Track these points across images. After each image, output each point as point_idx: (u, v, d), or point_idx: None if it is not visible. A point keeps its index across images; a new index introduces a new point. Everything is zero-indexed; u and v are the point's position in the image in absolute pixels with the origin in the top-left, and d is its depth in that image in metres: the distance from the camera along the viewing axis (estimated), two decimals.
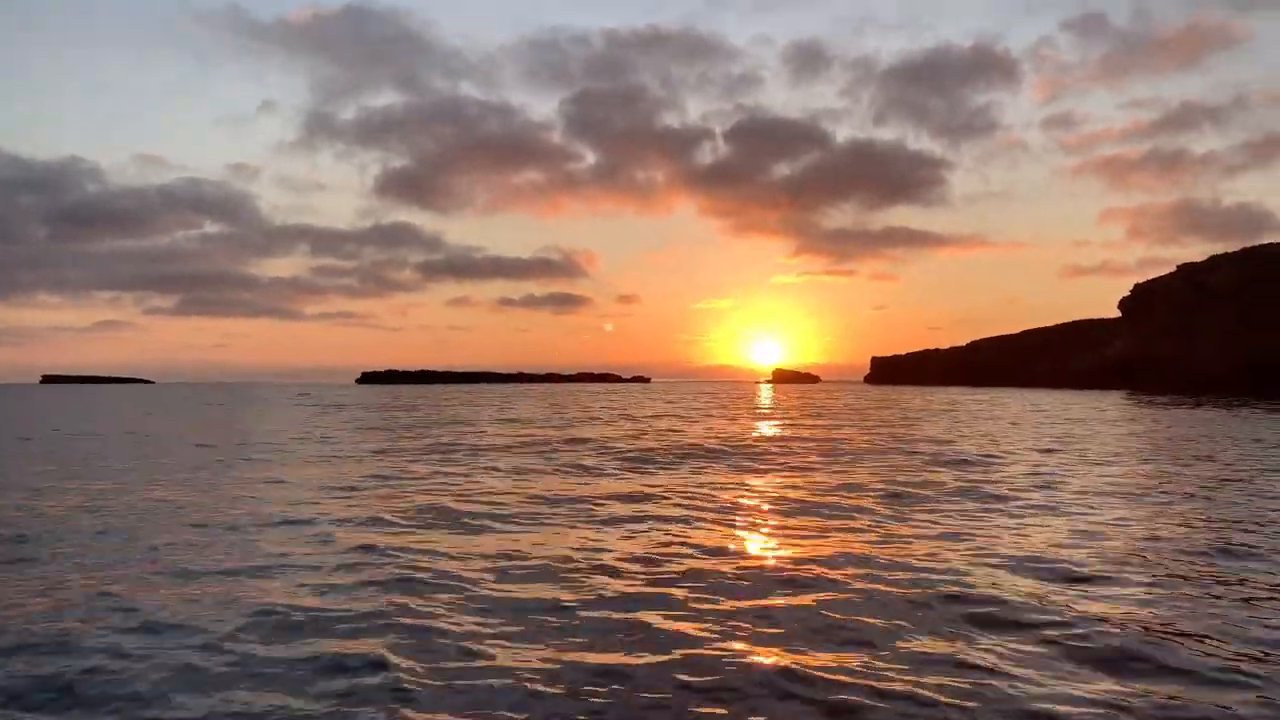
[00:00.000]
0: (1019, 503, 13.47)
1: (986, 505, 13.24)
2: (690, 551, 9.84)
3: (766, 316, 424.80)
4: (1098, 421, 35.62)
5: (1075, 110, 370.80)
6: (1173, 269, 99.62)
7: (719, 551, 9.86)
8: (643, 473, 17.94)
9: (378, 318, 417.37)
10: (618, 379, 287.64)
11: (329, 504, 13.50)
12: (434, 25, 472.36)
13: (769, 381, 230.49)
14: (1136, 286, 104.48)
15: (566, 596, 7.85)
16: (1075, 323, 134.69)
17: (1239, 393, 76.60)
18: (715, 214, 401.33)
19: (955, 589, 7.98)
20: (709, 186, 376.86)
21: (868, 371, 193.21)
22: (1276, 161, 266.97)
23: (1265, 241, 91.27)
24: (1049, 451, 21.92)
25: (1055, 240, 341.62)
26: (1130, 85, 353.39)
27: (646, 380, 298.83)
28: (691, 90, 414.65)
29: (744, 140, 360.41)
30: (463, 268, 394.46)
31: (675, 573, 8.72)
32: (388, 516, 12.20)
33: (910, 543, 10.22)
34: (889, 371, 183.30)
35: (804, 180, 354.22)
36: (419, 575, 8.59)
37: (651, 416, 43.08)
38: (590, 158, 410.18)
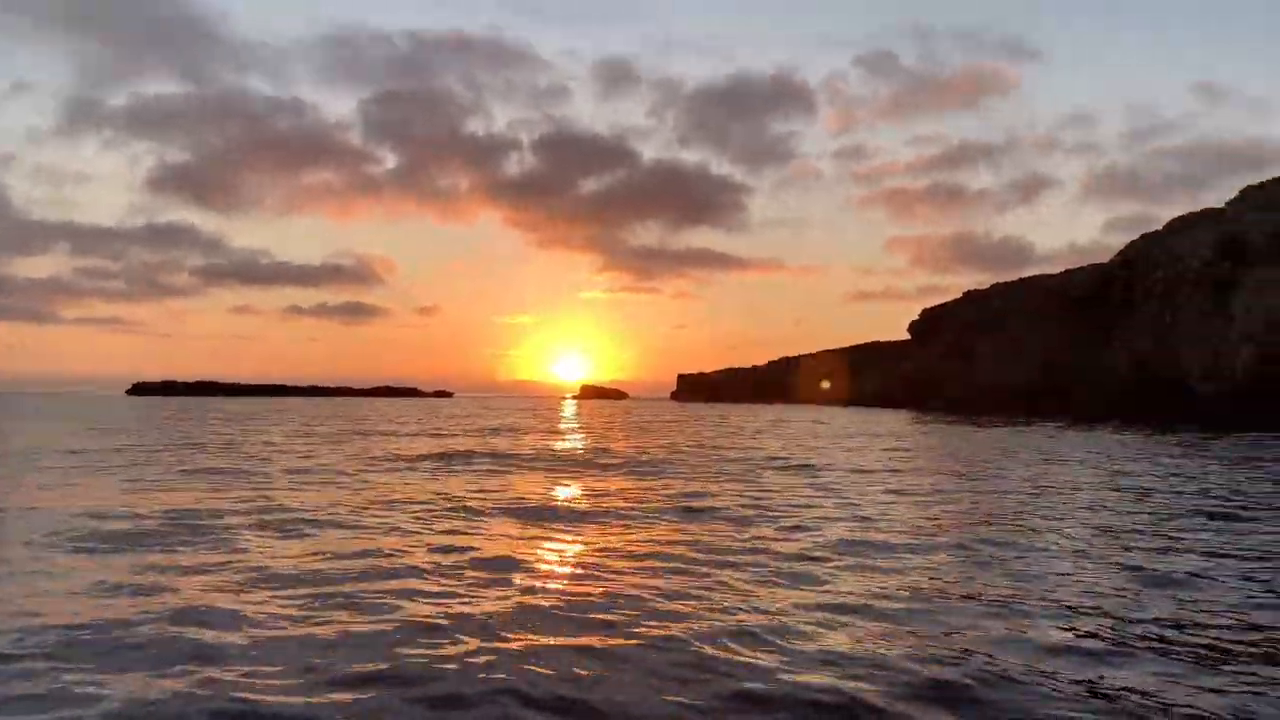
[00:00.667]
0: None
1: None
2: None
3: (572, 332, 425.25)
4: (864, 435, 36.41)
5: (866, 143, 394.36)
6: (947, 296, 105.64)
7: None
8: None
9: (149, 324, 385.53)
10: (419, 393, 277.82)
11: None
12: (221, 12, 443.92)
13: (576, 397, 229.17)
14: (925, 311, 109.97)
15: None
16: (869, 344, 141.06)
17: (1017, 412, 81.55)
18: (521, 226, 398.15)
19: None
20: (515, 197, 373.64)
21: (674, 388, 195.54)
22: (1038, 199, 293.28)
23: (1029, 273, 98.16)
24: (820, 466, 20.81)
25: (844, 266, 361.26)
26: (915, 122, 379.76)
27: (449, 395, 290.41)
28: (498, 98, 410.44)
29: (551, 152, 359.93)
30: (247, 273, 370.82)
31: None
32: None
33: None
34: (694, 388, 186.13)
35: (611, 197, 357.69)
36: None
37: (456, 430, 39.63)
38: (390, 161, 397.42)
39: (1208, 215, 70.53)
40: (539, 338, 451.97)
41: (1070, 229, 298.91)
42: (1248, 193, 66.32)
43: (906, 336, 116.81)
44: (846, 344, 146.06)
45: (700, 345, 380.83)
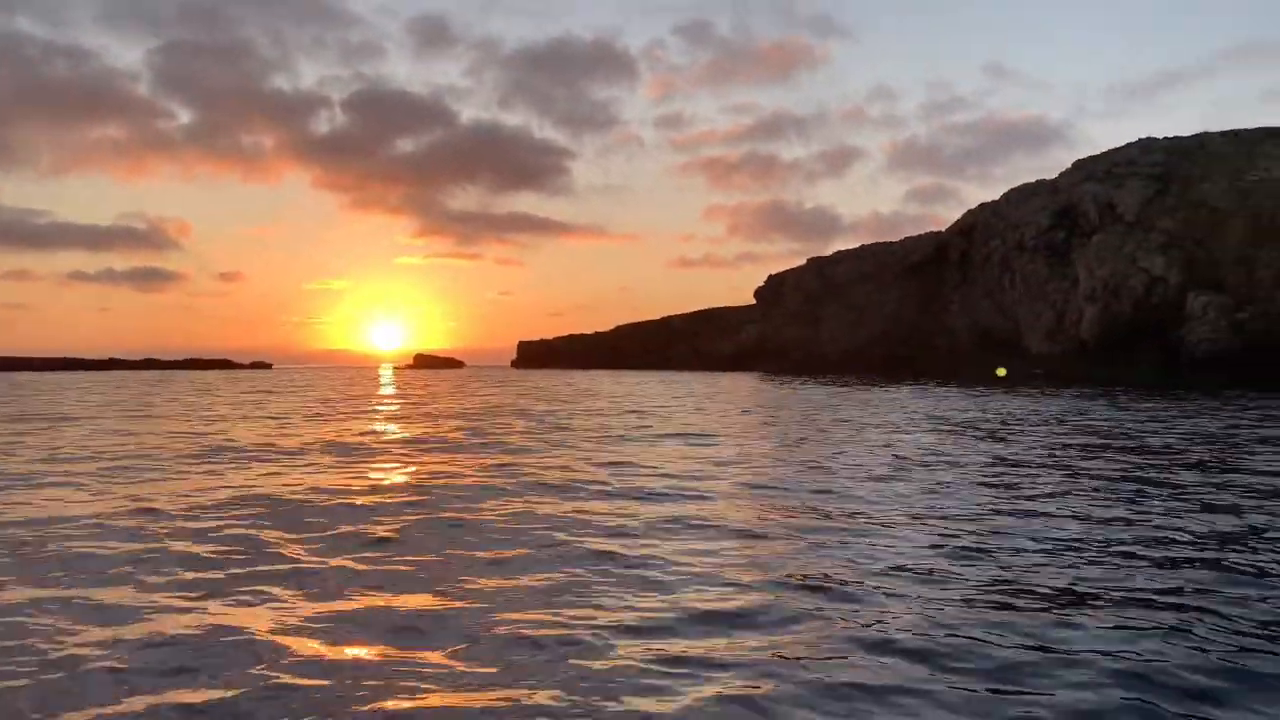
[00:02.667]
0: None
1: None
2: None
3: (391, 299, 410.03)
4: (709, 396, 36.53)
5: (684, 111, 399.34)
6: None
7: None
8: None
9: None
10: (233, 365, 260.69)
11: None
12: None
13: (410, 366, 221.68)
14: (770, 277, 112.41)
15: None
16: (715, 309, 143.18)
17: (858, 373, 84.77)
18: (332, 188, 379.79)
19: None
20: (325, 157, 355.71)
21: (514, 356, 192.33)
22: (846, 171, 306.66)
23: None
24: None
25: (666, 233, 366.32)
26: (731, 91, 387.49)
27: (268, 366, 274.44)
28: (306, 54, 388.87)
29: (364, 111, 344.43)
30: (20, 235, 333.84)
31: None
32: None
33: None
34: (535, 356, 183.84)
35: (428, 159, 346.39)
36: None
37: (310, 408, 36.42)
38: (184, 116, 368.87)
39: (1042, 187, 74.99)
40: (352, 305, 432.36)
41: (874, 198, 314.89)
42: (1080, 164, 70.86)
43: (747, 302, 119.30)
44: (673, 311, 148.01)
45: (530, 313, 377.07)
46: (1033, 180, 77.22)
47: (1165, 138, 65.29)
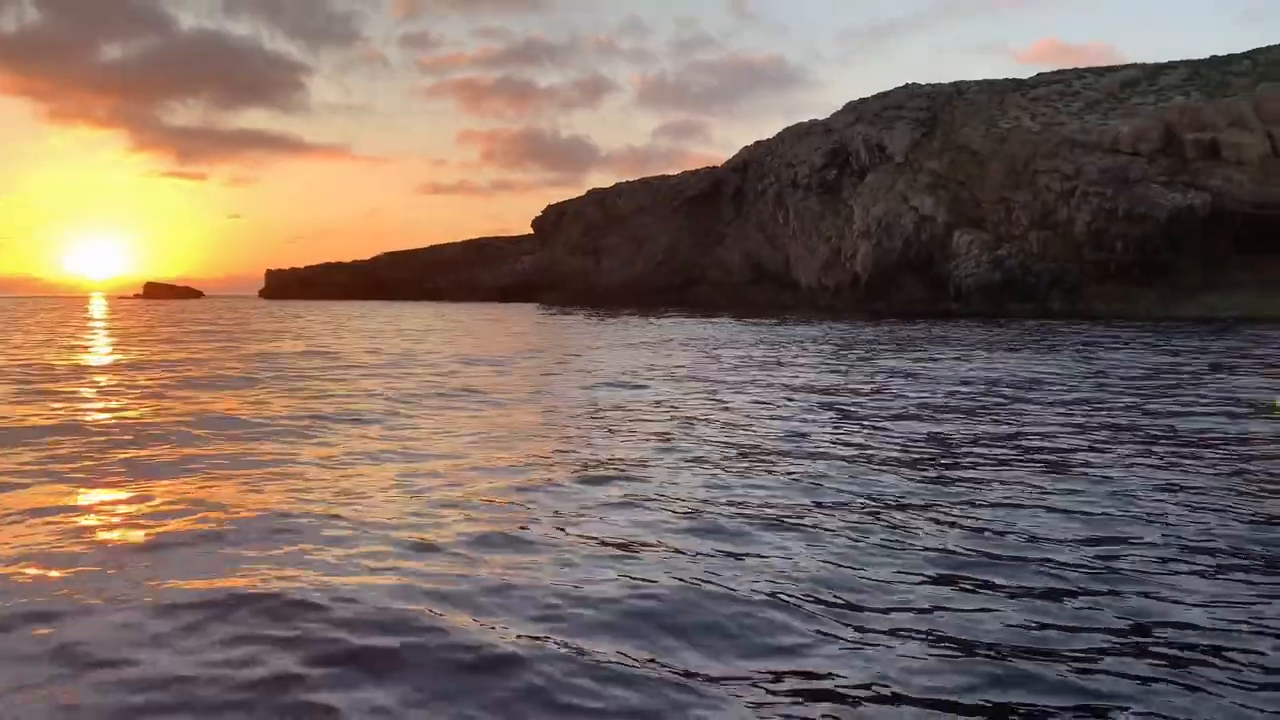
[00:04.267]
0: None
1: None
2: None
3: (107, 220, 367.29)
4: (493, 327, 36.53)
5: (431, 31, 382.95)
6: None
7: None
8: None
9: None
10: None
11: None
12: None
13: (139, 297, 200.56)
14: (549, 207, 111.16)
15: None
16: (485, 239, 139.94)
17: (639, 305, 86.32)
18: (25, 94, 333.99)
19: None
20: (16, 60, 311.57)
21: (262, 286, 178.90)
22: (601, 101, 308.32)
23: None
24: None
25: (415, 157, 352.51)
26: (481, 14, 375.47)
27: None
28: None
29: (62, 9, 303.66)
30: None
31: None
32: None
33: None
34: (286, 286, 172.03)
35: (141, 68, 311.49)
36: None
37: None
38: None
39: (816, 127, 78.66)
40: (56, 226, 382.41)
41: (627, 132, 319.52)
42: (851, 106, 74.85)
43: (505, 231, 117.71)
44: (430, 239, 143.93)
45: (271, 238, 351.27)
46: (805, 120, 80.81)
47: (928, 84, 70.14)
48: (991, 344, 28.42)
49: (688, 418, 12.46)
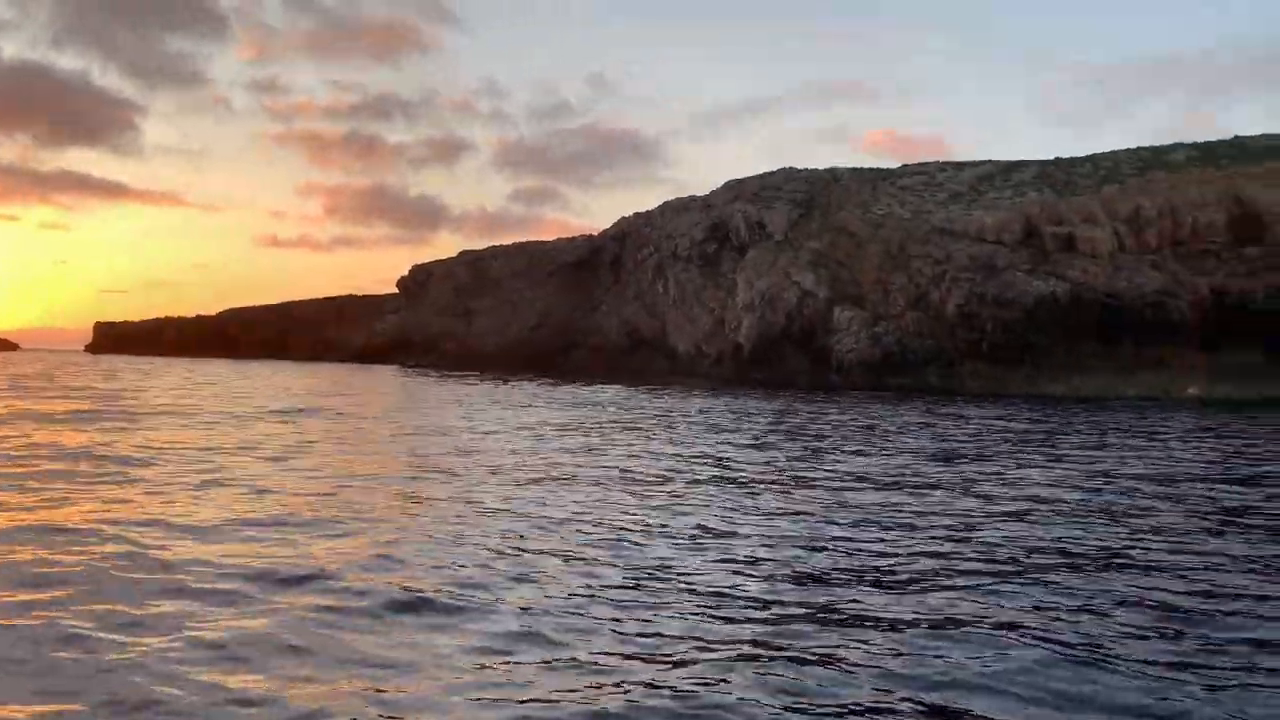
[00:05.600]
0: None
1: None
2: None
3: None
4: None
5: (281, 77, 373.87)
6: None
7: None
8: None
9: None
10: None
11: None
12: None
13: None
14: (416, 267, 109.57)
15: None
16: (344, 298, 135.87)
17: (513, 370, 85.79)
18: None
19: None
20: None
21: (90, 340, 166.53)
22: (453, 160, 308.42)
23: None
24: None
25: (253, 207, 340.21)
26: (335, 65, 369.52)
27: None
28: None
29: None
30: None
31: None
32: None
33: None
34: (119, 340, 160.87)
35: None
36: None
37: None
38: None
39: (694, 202, 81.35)
40: None
41: (480, 193, 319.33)
42: (729, 185, 77.95)
43: (349, 291, 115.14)
44: (264, 293, 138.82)
45: (90, 287, 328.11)
46: (684, 196, 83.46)
47: (804, 168, 74.07)
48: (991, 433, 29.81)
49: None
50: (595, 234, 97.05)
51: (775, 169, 73.95)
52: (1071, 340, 52.32)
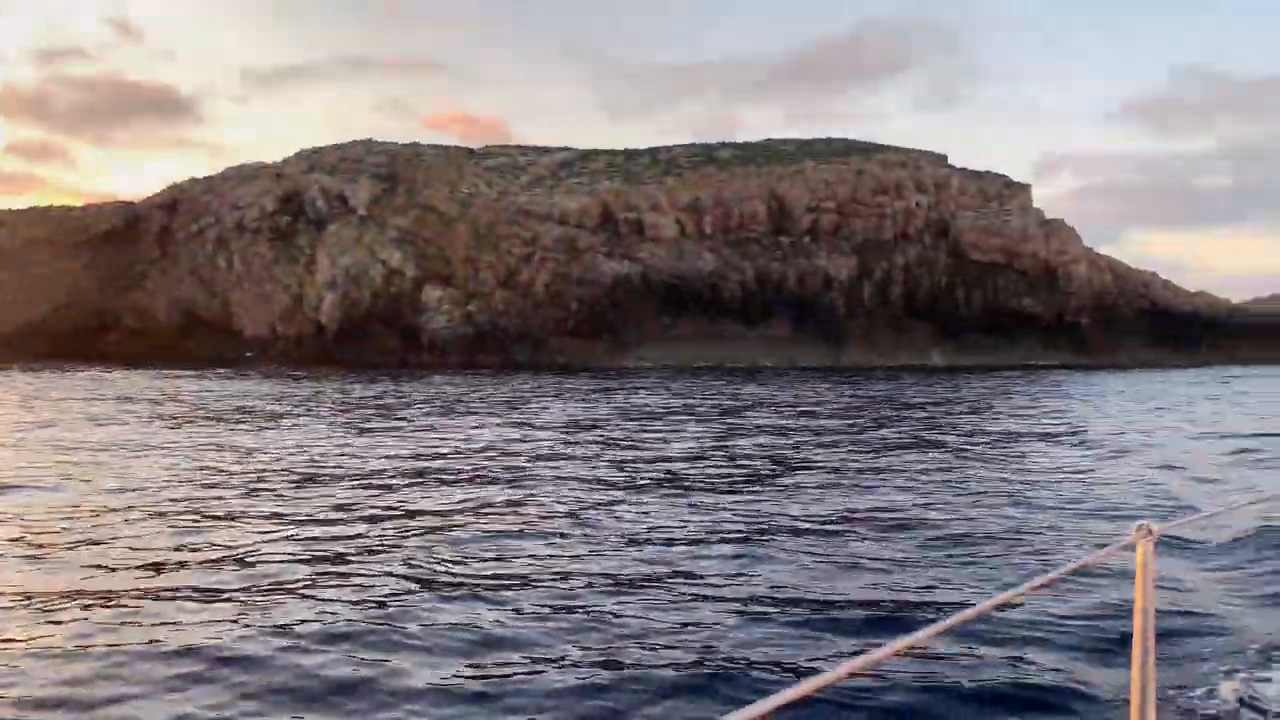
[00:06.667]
0: None
1: None
2: None
3: None
4: None
5: None
6: None
7: None
8: None
9: None
10: None
11: None
12: None
13: None
14: None
15: None
16: None
17: (36, 355, 73.25)
18: None
19: None
20: None
21: None
22: None
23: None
24: None
25: None
26: None
27: None
28: None
29: None
30: None
31: None
32: None
33: None
34: None
35: None
36: None
37: None
38: None
39: (263, 170, 75.27)
40: None
41: None
42: (304, 154, 73.35)
43: None
44: None
45: None
46: (251, 163, 77.03)
47: (385, 141, 72.08)
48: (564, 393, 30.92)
49: None
50: (135, 201, 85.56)
51: (353, 140, 71.09)
52: (644, 317, 57.31)
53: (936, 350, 58.94)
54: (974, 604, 1.69)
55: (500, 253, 59.38)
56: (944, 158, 71.46)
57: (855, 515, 9.95)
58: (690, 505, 10.59)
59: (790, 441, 17.44)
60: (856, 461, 14.66)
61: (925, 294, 62.11)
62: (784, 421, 21.57)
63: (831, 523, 9.54)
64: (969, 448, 16.51)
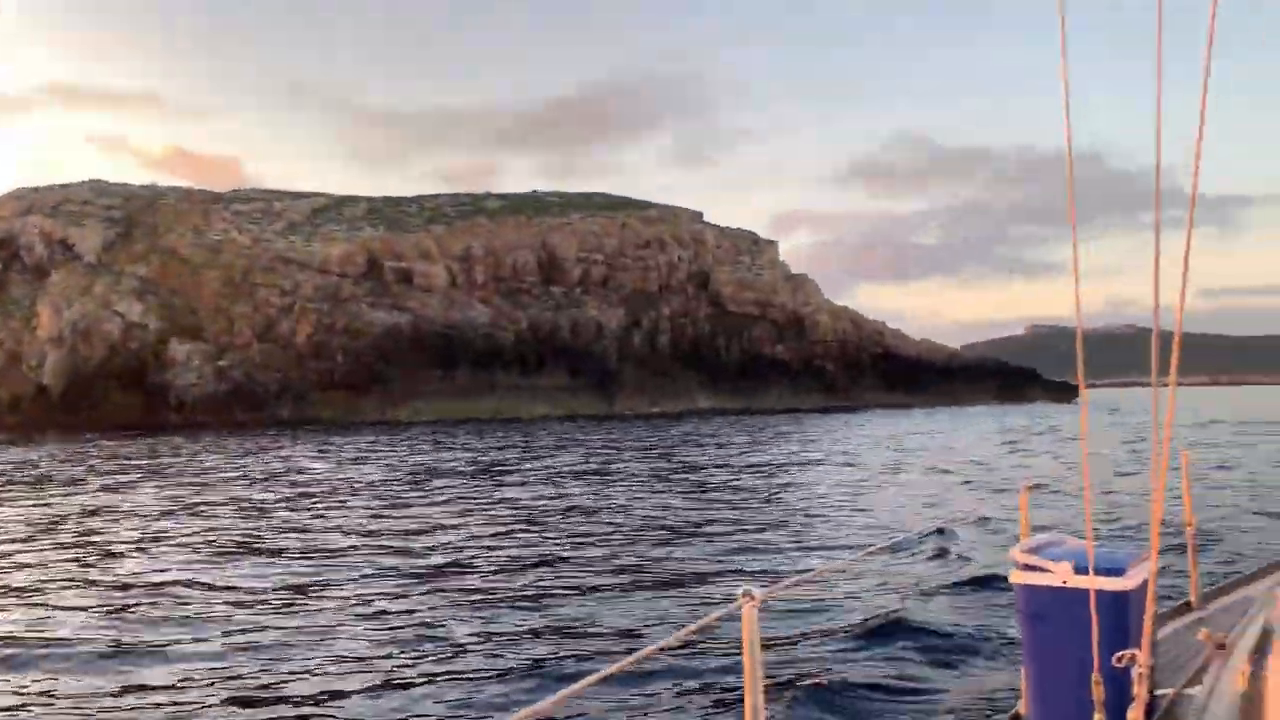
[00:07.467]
0: None
1: None
2: None
3: None
4: None
5: None
6: None
7: None
8: None
9: None
10: None
11: None
12: None
13: None
14: None
15: None
16: None
17: None
18: None
19: None
20: None
21: None
22: None
23: None
24: None
25: None
26: None
27: None
28: None
29: None
30: None
31: None
32: None
33: None
34: None
35: None
36: None
37: None
38: None
39: None
40: None
41: None
42: (19, 194, 65.66)
43: None
44: None
45: None
46: None
47: (118, 183, 66.13)
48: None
49: None
50: None
51: (80, 181, 64.66)
52: (416, 368, 55.77)
53: (703, 395, 61.57)
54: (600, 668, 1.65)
55: (256, 302, 55.90)
56: (700, 214, 75.45)
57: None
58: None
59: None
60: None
61: (689, 342, 64.88)
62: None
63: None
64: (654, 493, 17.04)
